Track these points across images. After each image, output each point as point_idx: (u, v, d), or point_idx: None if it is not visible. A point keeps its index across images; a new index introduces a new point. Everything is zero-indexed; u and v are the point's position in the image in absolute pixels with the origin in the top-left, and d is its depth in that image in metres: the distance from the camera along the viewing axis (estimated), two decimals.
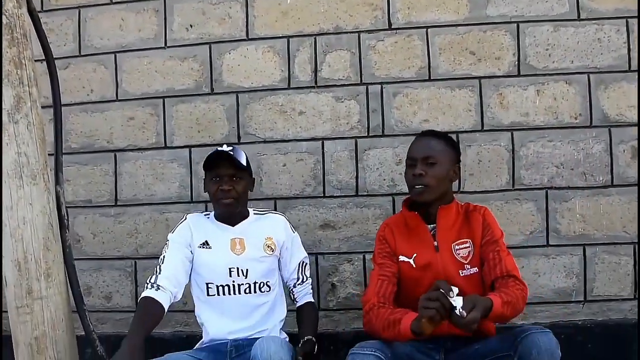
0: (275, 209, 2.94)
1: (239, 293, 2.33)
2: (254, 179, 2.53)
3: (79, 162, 3.09)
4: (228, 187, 2.34)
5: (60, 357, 2.13)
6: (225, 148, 2.40)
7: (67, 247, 2.22)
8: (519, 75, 2.88)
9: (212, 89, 3.01)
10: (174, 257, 2.32)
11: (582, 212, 2.85)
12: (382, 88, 2.93)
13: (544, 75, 2.87)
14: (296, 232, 2.52)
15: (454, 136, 2.79)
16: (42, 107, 2.22)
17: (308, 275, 2.51)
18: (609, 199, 2.84)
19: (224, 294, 2.33)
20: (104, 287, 3.09)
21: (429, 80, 2.91)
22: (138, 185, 3.06)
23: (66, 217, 2.23)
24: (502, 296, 1.98)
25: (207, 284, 2.35)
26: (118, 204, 3.07)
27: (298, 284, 2.48)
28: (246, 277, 2.34)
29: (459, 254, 2.23)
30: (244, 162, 2.39)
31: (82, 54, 3.08)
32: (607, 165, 2.84)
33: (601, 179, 2.85)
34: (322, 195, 2.96)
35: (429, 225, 2.27)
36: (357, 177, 2.94)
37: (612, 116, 2.85)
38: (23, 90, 2.10)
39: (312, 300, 2.49)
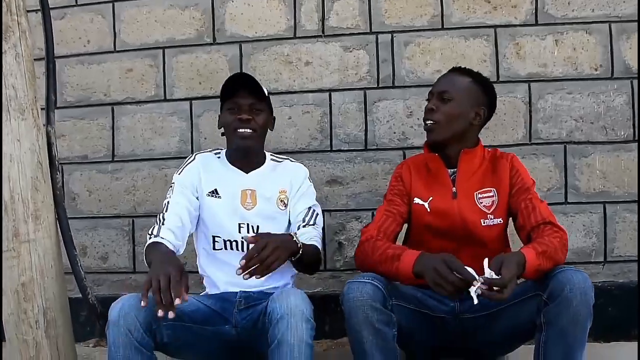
0: None
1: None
2: (275, 117, 2.32)
3: (75, 116, 2.96)
4: (247, 116, 2.12)
5: (49, 306, 2.00)
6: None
7: (58, 190, 2.09)
8: (536, 24, 2.73)
9: (214, 39, 2.87)
10: (179, 204, 2.11)
11: (602, 168, 2.71)
12: (392, 37, 2.78)
13: (563, 24, 2.72)
14: (312, 184, 2.29)
15: None
16: (36, 59, 2.09)
17: (318, 224, 2.22)
18: (630, 155, 2.70)
19: (232, 249, 2.15)
20: (100, 247, 2.96)
21: (442, 29, 2.76)
22: (136, 140, 2.92)
23: (57, 158, 2.10)
24: (535, 247, 1.81)
25: (213, 236, 2.17)
26: (115, 159, 2.94)
27: (302, 226, 2.18)
28: (256, 234, 2.12)
29: (481, 203, 2.07)
30: (265, 92, 2.19)
31: (78, 3, 2.94)
32: (629, 119, 2.70)
33: (622, 133, 2.70)
34: (330, 149, 2.82)
35: (450, 170, 2.12)
36: (366, 130, 2.80)
37: (634, 67, 2.70)
38: (11, 19, 1.97)
39: (318, 246, 2.16)
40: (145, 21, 2.91)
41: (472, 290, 1.69)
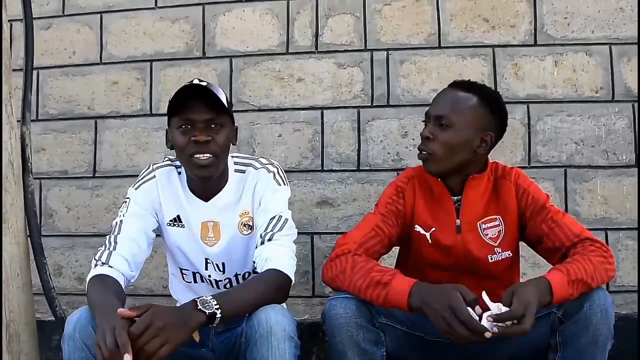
0: None
1: (218, 288, 1.90)
2: (237, 127, 1.89)
3: (56, 130, 2.84)
4: (205, 137, 1.71)
5: (12, 318, 1.85)
6: (197, 82, 1.77)
7: (30, 194, 1.95)
8: (535, 44, 2.66)
9: (203, 53, 2.79)
10: (135, 226, 1.78)
11: (603, 193, 2.61)
12: (388, 55, 2.70)
13: (563, 45, 2.65)
14: (284, 185, 1.87)
15: None
16: (14, 69, 1.98)
17: (284, 235, 1.77)
18: (632, 180, 2.59)
19: (202, 281, 1.93)
20: (77, 267, 2.80)
21: (439, 47, 2.69)
22: (119, 155, 2.80)
23: (30, 161, 1.98)
24: (568, 271, 1.56)
25: (181, 269, 1.93)
26: (96, 175, 2.81)
27: (259, 245, 1.76)
28: (223, 272, 1.89)
29: (486, 235, 1.82)
30: (224, 101, 1.77)
31: (65, 13, 2.86)
32: (631, 143, 2.61)
33: (624, 157, 2.61)
34: (321, 169, 2.70)
35: (454, 197, 1.85)
36: (359, 150, 2.69)
37: (635, 90, 2.62)
38: None
39: (278, 269, 1.68)
40: (134, 33, 2.82)
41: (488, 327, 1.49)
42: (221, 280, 1.90)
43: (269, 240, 1.75)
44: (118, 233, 1.76)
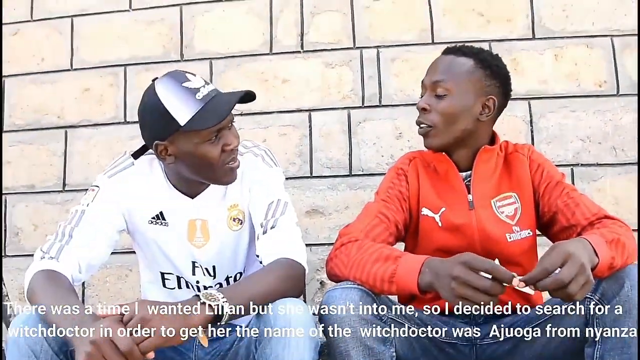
0: None
1: None
2: None
3: (23, 141, 2.65)
4: (237, 141, 1.55)
5: None
6: (201, 83, 1.52)
7: None
8: (534, 38, 2.52)
9: (181, 56, 2.62)
10: (97, 223, 1.54)
11: (613, 192, 2.44)
12: (378, 52, 2.55)
13: (562, 38, 2.52)
14: (276, 167, 1.69)
15: None
16: None
17: (286, 218, 1.57)
18: None
19: (187, 287, 1.70)
20: None
21: (432, 43, 2.54)
22: (91, 167, 2.60)
23: None
24: (602, 233, 1.41)
25: (162, 273, 1.70)
26: (66, 189, 2.61)
27: (262, 235, 1.55)
28: (214, 277, 1.68)
29: (502, 213, 1.66)
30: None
31: (34, 18, 2.70)
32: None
33: (633, 154, 2.45)
34: (310, 175, 2.53)
35: (463, 173, 1.69)
36: (350, 154, 2.52)
37: None
38: None
39: (289, 257, 1.48)
40: (107, 37, 2.66)
41: (517, 286, 1.26)
42: (211, 286, 1.67)
43: (272, 227, 1.54)
44: (76, 225, 1.51)
